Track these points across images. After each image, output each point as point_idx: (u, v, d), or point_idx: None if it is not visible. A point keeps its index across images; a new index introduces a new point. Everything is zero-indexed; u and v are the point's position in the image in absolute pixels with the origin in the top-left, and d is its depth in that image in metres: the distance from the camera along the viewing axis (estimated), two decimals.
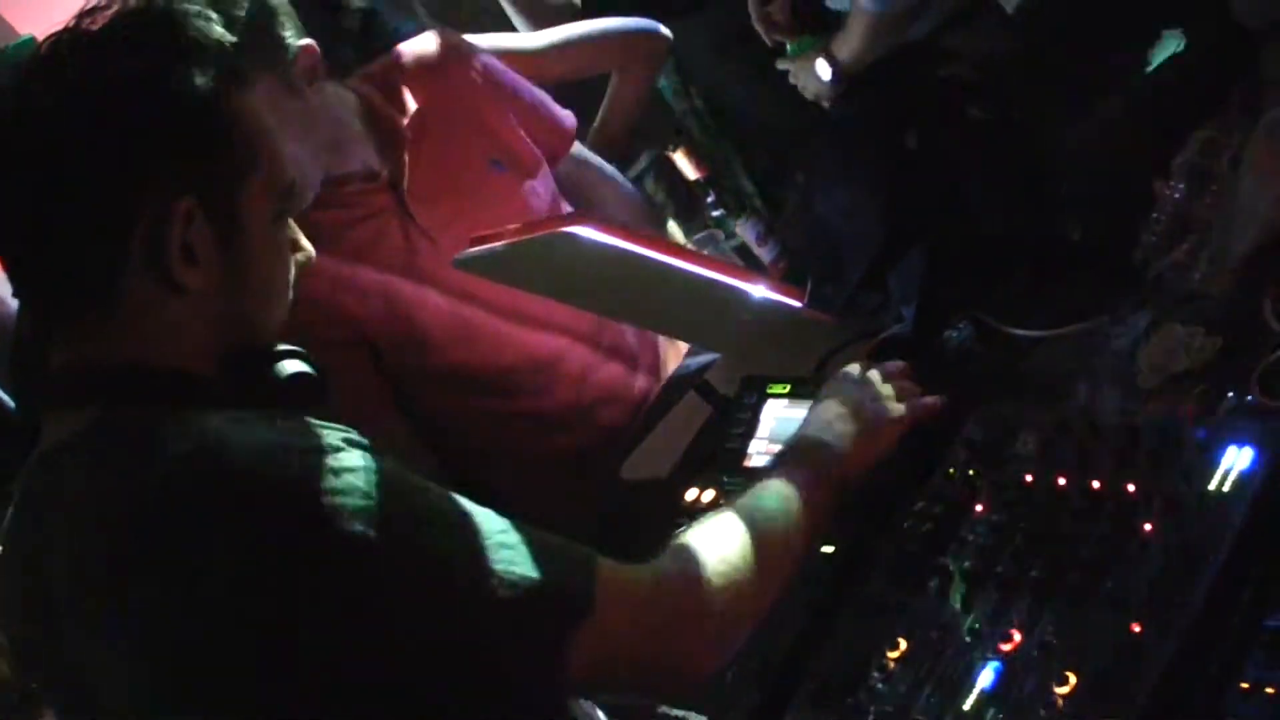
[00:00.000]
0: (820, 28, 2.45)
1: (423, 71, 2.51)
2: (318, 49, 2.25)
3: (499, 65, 2.61)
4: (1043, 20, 1.89)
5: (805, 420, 1.70)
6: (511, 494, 2.63)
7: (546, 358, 2.56)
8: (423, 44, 2.56)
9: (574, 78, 2.87)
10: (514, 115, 2.59)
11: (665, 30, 2.91)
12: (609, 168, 2.79)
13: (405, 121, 2.46)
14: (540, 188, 2.58)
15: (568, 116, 2.70)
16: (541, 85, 2.72)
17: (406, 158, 2.45)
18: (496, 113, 2.56)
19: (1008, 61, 1.96)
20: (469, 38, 2.63)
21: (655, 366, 2.71)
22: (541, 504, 2.62)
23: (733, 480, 1.91)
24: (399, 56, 2.54)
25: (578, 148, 2.73)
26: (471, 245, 2.00)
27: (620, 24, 2.90)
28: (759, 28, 2.61)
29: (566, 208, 2.63)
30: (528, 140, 2.60)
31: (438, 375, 2.54)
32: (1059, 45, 1.88)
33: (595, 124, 2.90)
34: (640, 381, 2.68)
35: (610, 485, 2.41)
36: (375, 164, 2.44)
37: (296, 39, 2.20)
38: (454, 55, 2.54)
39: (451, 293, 2.45)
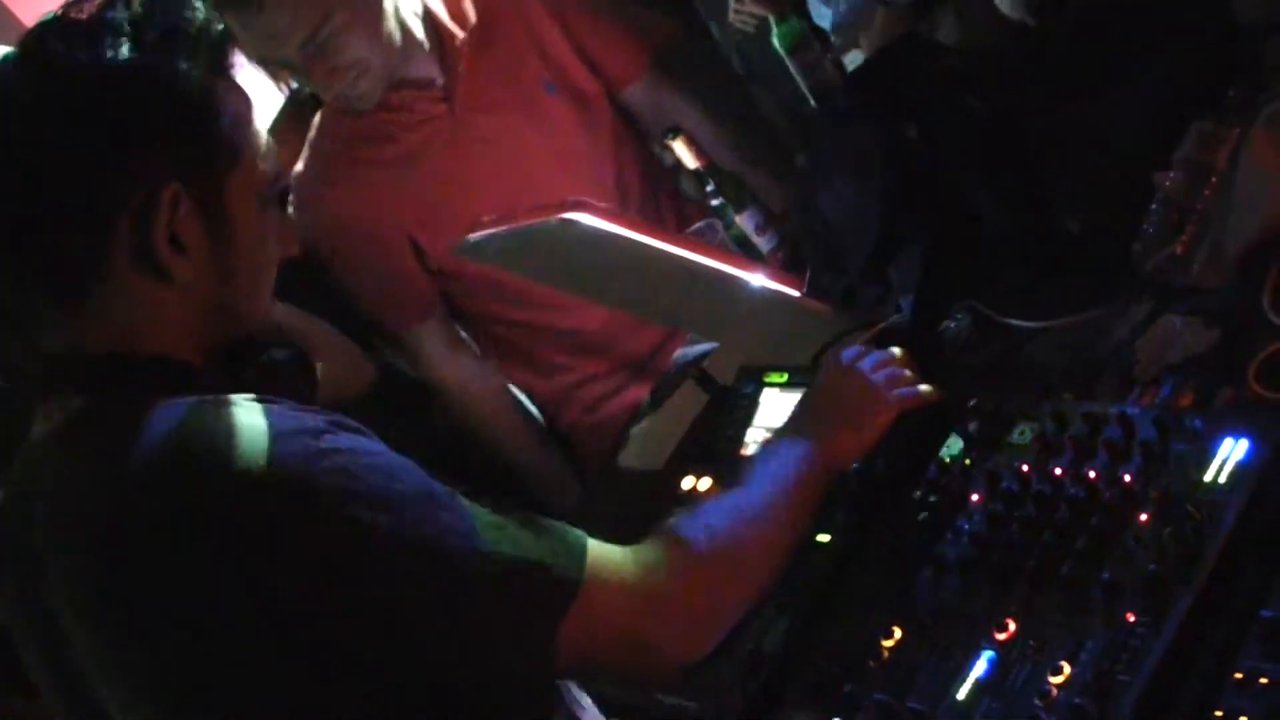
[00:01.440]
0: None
1: None
2: None
3: None
4: (1042, 14, 1.89)
5: (796, 408, 1.71)
6: (540, 402, 2.68)
7: None
8: None
9: None
10: (582, 38, 2.59)
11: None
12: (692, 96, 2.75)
13: (463, 35, 2.47)
14: (594, 118, 2.60)
15: (644, 46, 2.67)
16: None
17: (461, 69, 2.47)
18: (557, 37, 2.57)
19: (1006, 53, 1.95)
20: None
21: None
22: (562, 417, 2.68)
23: (729, 469, 1.91)
24: None
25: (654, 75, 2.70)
26: (471, 231, 2.00)
27: (628, 11, 2.90)
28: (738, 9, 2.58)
29: (603, 148, 2.62)
30: (587, 69, 2.60)
31: (476, 280, 2.59)
32: (1058, 37, 1.88)
33: None
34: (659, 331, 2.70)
35: (606, 473, 2.42)
36: (435, 73, 2.46)
37: None
38: None
39: (494, 203, 2.46)
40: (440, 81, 2.49)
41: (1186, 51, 1.71)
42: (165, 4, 1.35)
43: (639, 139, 2.73)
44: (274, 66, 2.34)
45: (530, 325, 2.67)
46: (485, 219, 2.01)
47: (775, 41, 2.34)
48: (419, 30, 2.44)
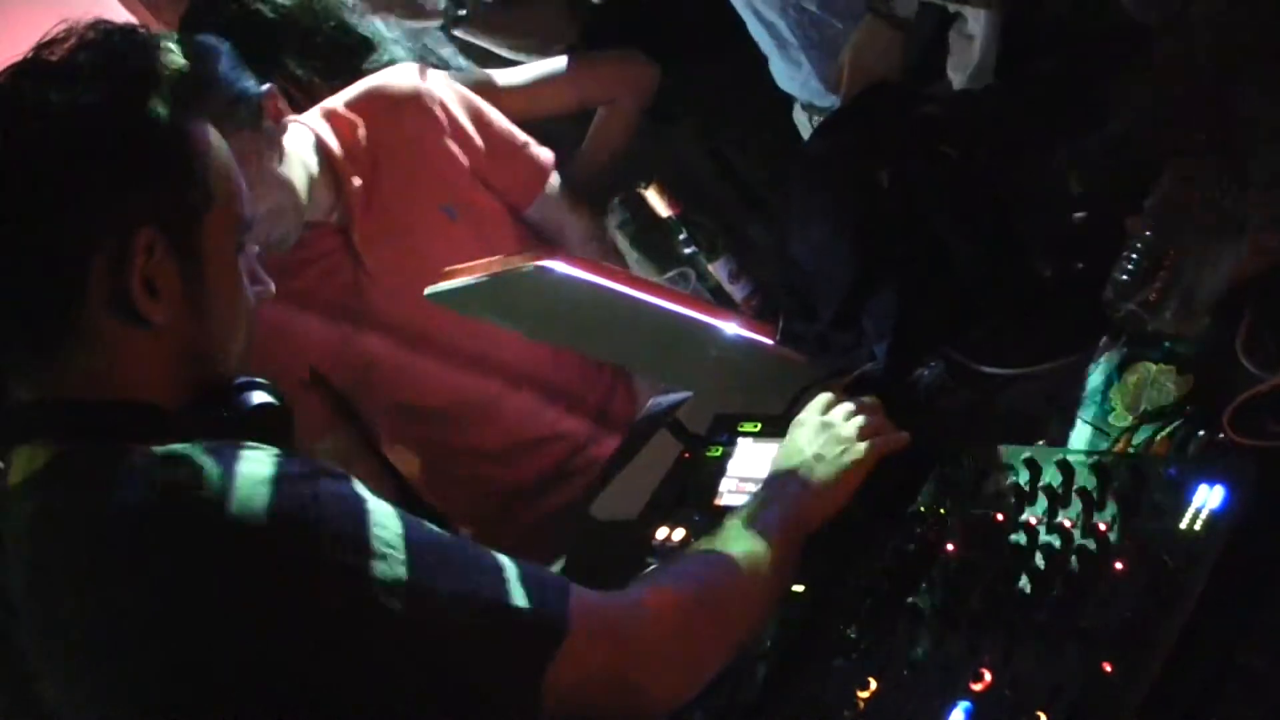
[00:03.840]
0: None
1: (380, 110, 2.50)
2: (278, 93, 2.27)
3: (474, 108, 2.58)
4: (1015, 63, 1.90)
5: (772, 465, 1.70)
6: (458, 518, 2.69)
7: (484, 399, 2.58)
8: (388, 78, 2.54)
9: (564, 112, 2.87)
10: (480, 160, 2.57)
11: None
12: (577, 212, 2.74)
13: (357, 164, 2.45)
14: (497, 236, 2.56)
15: (545, 160, 2.66)
16: (532, 120, 2.71)
17: (356, 201, 2.45)
18: (454, 159, 2.54)
19: (980, 100, 1.96)
20: (447, 76, 2.62)
21: (605, 408, 2.71)
22: (487, 530, 2.68)
23: (704, 519, 1.90)
24: (361, 92, 2.53)
25: (553, 189, 2.69)
26: (443, 279, 2.00)
27: (608, 55, 2.90)
28: None
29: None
30: (486, 190, 2.58)
31: (384, 408, 2.58)
32: (1031, 84, 1.89)
33: (579, 152, 2.89)
34: (583, 424, 2.68)
35: (580, 523, 2.40)
36: (331, 207, 2.44)
37: (258, 86, 2.22)
38: (414, 97, 2.51)
39: (393, 334, 2.48)
40: (336, 216, 2.47)
41: (1158, 98, 1.72)
42: (140, 46, 1.35)
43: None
44: None
45: (440, 443, 2.65)
46: (457, 266, 2.00)
47: None
48: (315, 165, 2.42)
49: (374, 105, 2.50)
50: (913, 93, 2.04)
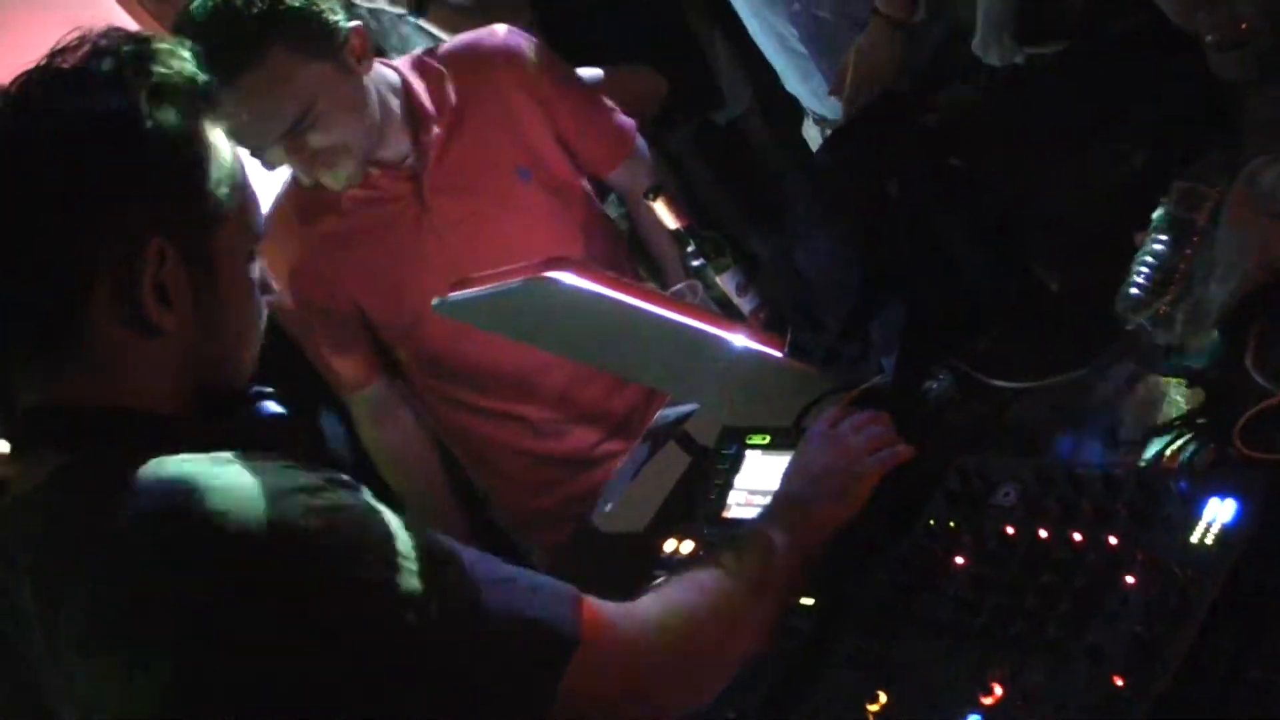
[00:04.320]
0: None
1: (470, 66, 2.54)
2: (366, 30, 2.29)
3: (562, 73, 2.62)
4: (1025, 71, 1.90)
5: (783, 475, 1.70)
6: (485, 481, 2.69)
7: (531, 368, 2.58)
8: (480, 38, 2.58)
9: None
10: (566, 124, 2.60)
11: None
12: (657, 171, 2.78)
13: (440, 116, 2.48)
14: (565, 205, 2.60)
15: (628, 126, 2.70)
16: None
17: (433, 150, 2.47)
18: (537, 123, 2.57)
19: (989, 112, 1.96)
20: (538, 42, 2.63)
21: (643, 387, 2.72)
22: (509, 501, 2.68)
23: (712, 531, 1.90)
24: (454, 45, 2.57)
25: (637, 155, 2.73)
26: (451, 290, 1.99)
27: (619, 69, 2.92)
28: None
29: (582, 236, 2.62)
30: (566, 155, 2.61)
31: (424, 359, 2.60)
32: (1040, 96, 1.88)
33: None
34: (623, 400, 2.70)
35: (588, 537, 2.40)
36: (407, 152, 2.46)
37: (346, 21, 2.28)
38: (506, 56, 2.55)
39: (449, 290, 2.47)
40: (410, 161, 2.49)
41: (1166, 110, 1.72)
42: (152, 54, 1.35)
43: (608, 227, 2.75)
44: (257, 153, 2.32)
45: (487, 411, 2.66)
46: (464, 278, 2.00)
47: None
48: (397, 109, 2.45)
49: (464, 60, 2.54)
50: (920, 103, 2.03)
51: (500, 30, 2.59)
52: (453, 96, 2.51)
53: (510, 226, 2.49)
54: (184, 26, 2.17)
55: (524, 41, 2.58)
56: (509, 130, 2.54)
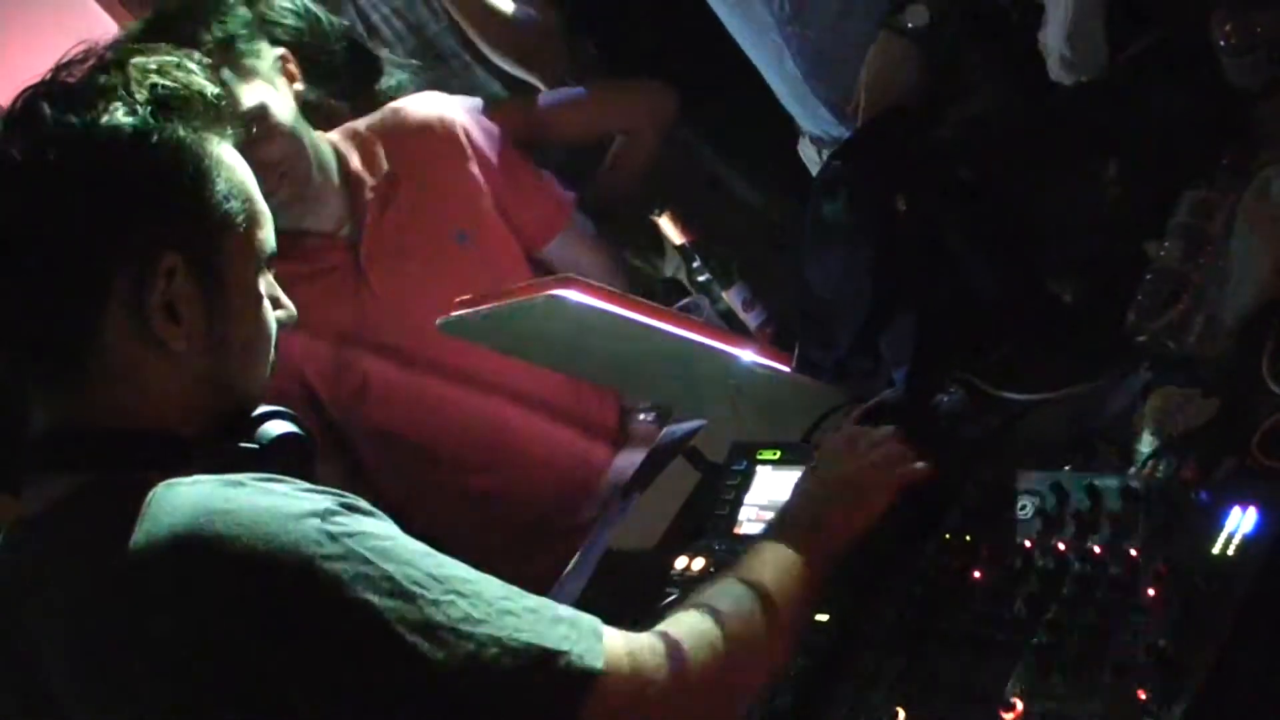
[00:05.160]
0: None
1: (402, 132, 2.53)
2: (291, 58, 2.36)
3: (497, 140, 2.59)
4: (1035, 83, 1.89)
5: (793, 492, 1.69)
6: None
7: (491, 431, 2.55)
8: (410, 103, 2.57)
9: (584, 138, 2.87)
10: (501, 191, 2.57)
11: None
12: (595, 252, 2.74)
13: (374, 182, 2.46)
14: (507, 266, 2.56)
15: (565, 198, 2.67)
16: (554, 146, 2.74)
17: (368, 216, 2.46)
18: (474, 186, 2.55)
19: (998, 124, 1.95)
20: (471, 106, 2.62)
21: (615, 433, 2.68)
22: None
23: (723, 547, 1.88)
24: (383, 114, 2.56)
25: (572, 228, 2.69)
26: (457, 308, 1.99)
27: (630, 83, 2.91)
28: None
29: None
30: (502, 222, 2.58)
31: (372, 432, 2.56)
32: (1049, 106, 1.88)
33: (597, 178, 2.88)
34: (598, 451, 2.65)
35: (597, 554, 2.39)
36: (342, 220, 2.45)
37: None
38: (439, 121, 2.54)
39: (392, 357, 2.47)
40: (346, 230, 2.48)
41: (1178, 119, 1.71)
42: (159, 67, 1.34)
43: None
44: None
45: (429, 484, 2.61)
46: (470, 296, 1.99)
47: None
48: (333, 173, 2.45)
49: (395, 128, 2.53)
50: (930, 116, 2.02)
51: (431, 98, 2.59)
52: (384, 163, 2.50)
53: (449, 292, 2.41)
54: None
55: (456, 108, 2.58)
56: (444, 195, 2.53)
